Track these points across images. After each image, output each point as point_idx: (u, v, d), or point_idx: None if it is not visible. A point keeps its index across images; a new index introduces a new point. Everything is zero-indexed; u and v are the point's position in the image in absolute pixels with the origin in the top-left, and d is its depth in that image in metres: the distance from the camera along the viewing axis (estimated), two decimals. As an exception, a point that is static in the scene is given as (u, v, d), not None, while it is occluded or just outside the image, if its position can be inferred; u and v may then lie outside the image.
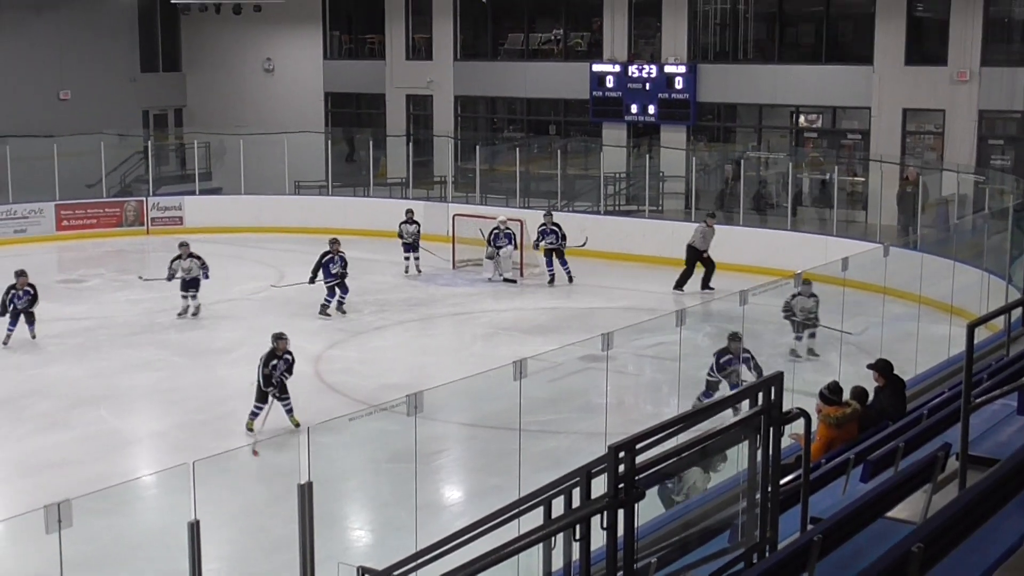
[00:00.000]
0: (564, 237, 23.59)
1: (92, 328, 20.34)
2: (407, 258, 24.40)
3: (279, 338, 14.99)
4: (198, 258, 20.86)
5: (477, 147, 29.56)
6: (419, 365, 17.73)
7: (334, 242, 21.42)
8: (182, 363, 18.34)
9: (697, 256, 22.78)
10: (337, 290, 21.03)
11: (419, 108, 33.33)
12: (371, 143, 30.59)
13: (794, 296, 17.14)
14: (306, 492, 7.20)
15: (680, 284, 22.57)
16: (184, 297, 20.86)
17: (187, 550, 6.94)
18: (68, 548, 6.96)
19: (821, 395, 10.59)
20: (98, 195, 30.13)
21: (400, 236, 24.49)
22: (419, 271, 24.29)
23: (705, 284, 22.54)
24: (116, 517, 10.69)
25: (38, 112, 31.63)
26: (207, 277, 20.93)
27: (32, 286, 19.09)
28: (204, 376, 17.64)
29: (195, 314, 20.81)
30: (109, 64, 34.11)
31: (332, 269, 21.02)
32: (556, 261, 23.57)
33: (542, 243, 23.68)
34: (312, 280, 21.10)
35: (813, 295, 17.22)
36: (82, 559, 7.59)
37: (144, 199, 29.96)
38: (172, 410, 16.16)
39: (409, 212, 24.77)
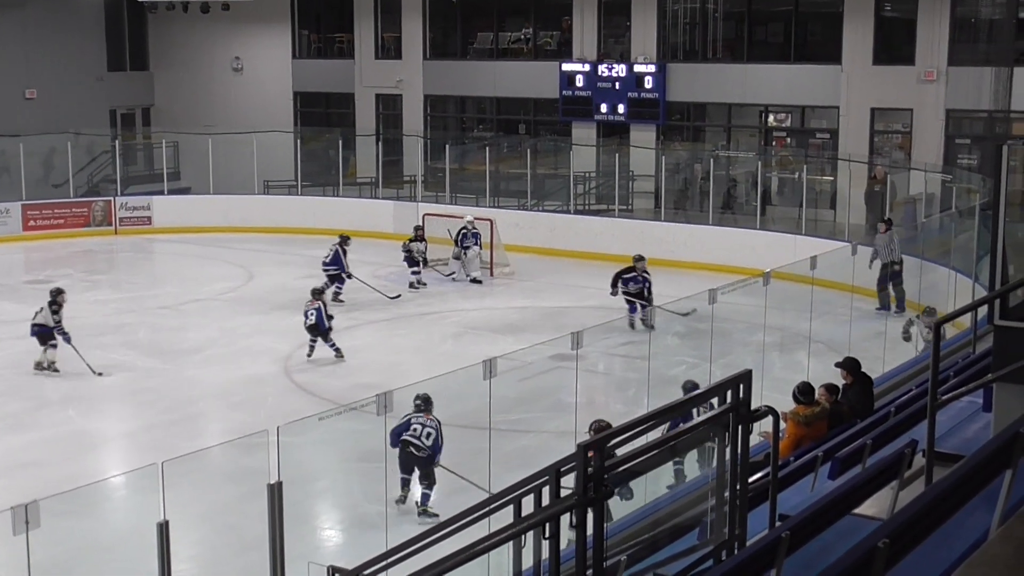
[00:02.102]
0: (650, 287, 19.89)
1: (60, 329, 20.18)
2: (416, 272, 23.26)
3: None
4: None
5: (447, 146, 29.56)
6: (389, 364, 17.71)
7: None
8: (151, 364, 18.24)
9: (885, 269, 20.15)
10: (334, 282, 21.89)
11: (388, 107, 33.28)
12: (340, 143, 30.52)
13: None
14: (276, 492, 7.19)
15: (897, 305, 19.94)
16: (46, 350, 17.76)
17: (156, 551, 6.91)
18: (36, 550, 6.92)
19: (793, 395, 10.67)
20: (65, 195, 29.93)
21: (417, 254, 23.30)
22: (424, 284, 23.27)
23: (899, 303, 19.74)
24: (85, 518, 10.63)
25: (4, 111, 31.38)
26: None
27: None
28: (173, 377, 17.55)
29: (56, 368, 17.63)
30: (76, 63, 33.87)
31: (325, 259, 22.01)
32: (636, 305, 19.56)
33: (621, 289, 19.95)
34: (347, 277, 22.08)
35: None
36: (50, 561, 7.55)
37: (112, 199, 29.78)
38: (141, 411, 16.09)
39: (418, 229, 24.08)
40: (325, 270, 21.91)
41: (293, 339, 18.99)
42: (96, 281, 24.95)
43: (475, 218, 24.44)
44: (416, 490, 12.26)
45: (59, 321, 17.75)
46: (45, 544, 7.18)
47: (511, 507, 6.43)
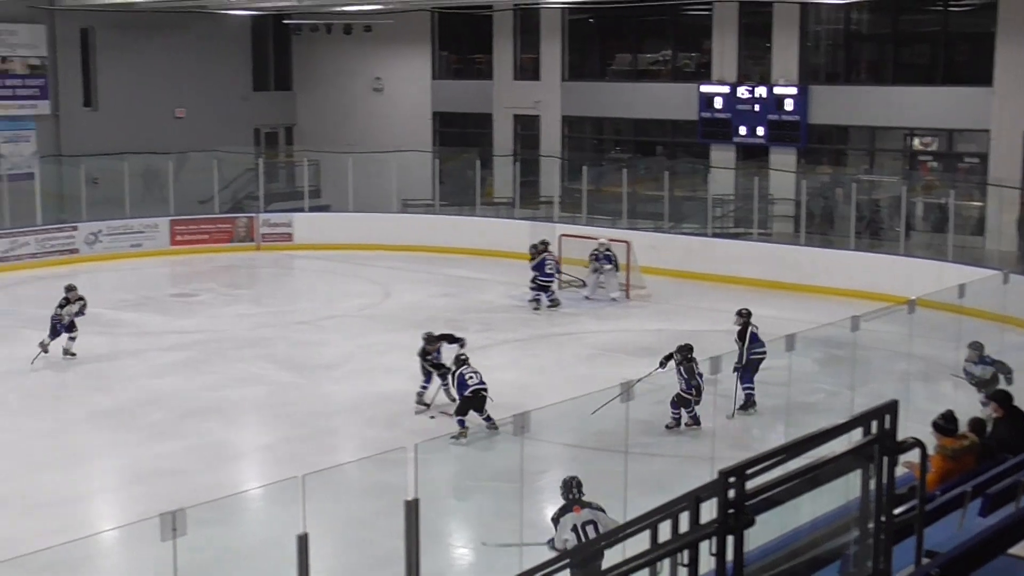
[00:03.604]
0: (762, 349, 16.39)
1: (203, 341, 20.71)
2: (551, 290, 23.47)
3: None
4: (82, 299, 19.36)
5: (584, 167, 29.52)
6: (523, 385, 17.70)
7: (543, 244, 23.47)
8: (289, 378, 18.57)
9: None
10: (542, 292, 23.01)
11: (526, 128, 33.39)
12: (478, 163, 30.73)
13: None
14: (413, 509, 7.21)
15: None
16: (72, 339, 19.20)
17: (295, 562, 6.99)
18: (180, 555, 7.08)
19: (935, 425, 10.32)
20: (210, 211, 30.74)
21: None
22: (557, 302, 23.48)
23: None
24: (225, 527, 10.83)
25: (155, 130, 32.39)
26: (82, 315, 19.37)
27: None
28: (310, 391, 17.83)
29: (73, 355, 19.23)
30: (223, 83, 34.82)
31: (547, 269, 22.97)
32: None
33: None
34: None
35: (984, 359, 15.03)
36: (191, 567, 7.70)
37: (255, 215, 30.49)
38: (278, 424, 16.36)
39: (546, 244, 23.92)
40: (547, 282, 23.13)
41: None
42: (238, 295, 25.54)
43: (610, 239, 24.41)
44: (476, 418, 15.12)
45: (60, 315, 19.07)
46: (188, 550, 7.33)
47: (647, 533, 6.34)
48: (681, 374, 15.46)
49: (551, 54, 32.51)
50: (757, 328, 16.60)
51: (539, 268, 23.08)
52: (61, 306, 19.17)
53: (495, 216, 30.48)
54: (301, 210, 31.09)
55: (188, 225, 29.84)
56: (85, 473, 14.52)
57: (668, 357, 15.82)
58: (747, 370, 16.31)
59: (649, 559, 5.68)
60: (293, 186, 33.96)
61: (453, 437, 14.88)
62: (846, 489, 6.34)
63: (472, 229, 29.56)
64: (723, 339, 19.51)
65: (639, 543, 6.18)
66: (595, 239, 24.60)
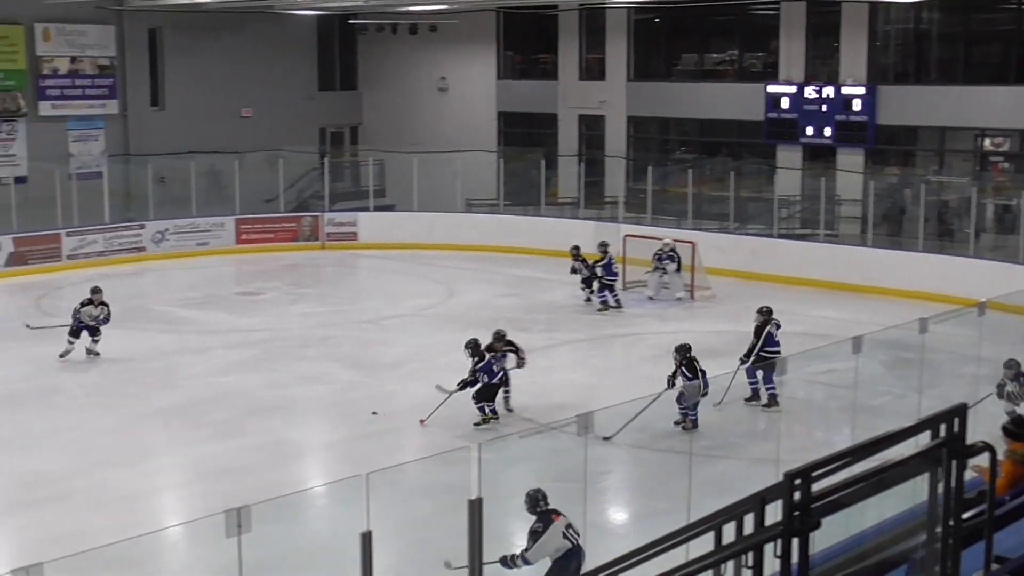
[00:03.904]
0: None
1: (267, 340, 20.89)
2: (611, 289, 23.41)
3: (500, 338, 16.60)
4: (106, 305, 19.22)
5: (649, 168, 29.40)
6: (587, 385, 17.67)
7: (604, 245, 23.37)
8: (353, 376, 18.67)
9: None
10: (607, 292, 22.96)
11: (591, 128, 33.32)
12: (543, 163, 30.71)
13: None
14: (476, 508, 7.21)
15: None
16: (95, 340, 19.17)
17: (358, 560, 7.03)
18: (244, 552, 7.14)
19: (1005, 429, 10.15)
20: (276, 210, 31.01)
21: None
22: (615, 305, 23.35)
23: None
24: (289, 524, 10.91)
25: (221, 129, 32.73)
26: (106, 322, 19.26)
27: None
28: (374, 390, 17.90)
29: (97, 354, 19.22)
30: (288, 83, 35.11)
31: (613, 269, 23.12)
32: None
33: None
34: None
35: (1021, 376, 14.58)
36: (256, 564, 7.77)
37: (320, 214, 30.71)
38: (342, 422, 16.45)
39: (605, 246, 23.61)
40: (613, 282, 23.13)
41: (491, 356, 19.17)
42: (303, 294, 25.73)
43: (675, 240, 24.32)
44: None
45: (79, 313, 19.00)
46: (252, 547, 7.39)
47: (711, 534, 6.30)
48: (684, 374, 15.49)
49: (616, 54, 32.41)
50: (777, 329, 16.91)
51: (607, 268, 23.02)
52: (83, 304, 19.10)
53: (560, 216, 30.44)
54: (366, 209, 31.26)
55: (253, 224, 30.13)
56: (151, 469, 14.70)
57: (673, 375, 15.65)
58: (759, 368, 16.47)
59: (713, 561, 5.63)
60: (358, 185, 34.18)
61: (476, 424, 15.54)
62: (913, 493, 6.26)
63: (536, 229, 29.55)
64: (789, 341, 19.35)
65: (703, 544, 6.14)
66: (660, 240, 24.51)
